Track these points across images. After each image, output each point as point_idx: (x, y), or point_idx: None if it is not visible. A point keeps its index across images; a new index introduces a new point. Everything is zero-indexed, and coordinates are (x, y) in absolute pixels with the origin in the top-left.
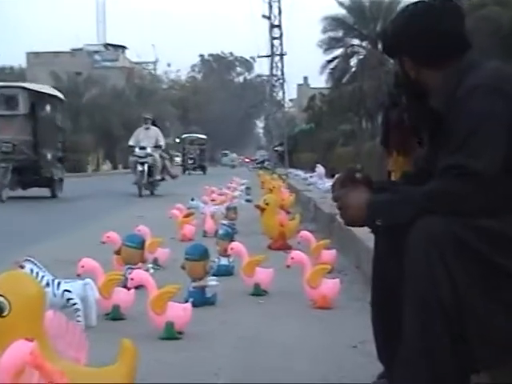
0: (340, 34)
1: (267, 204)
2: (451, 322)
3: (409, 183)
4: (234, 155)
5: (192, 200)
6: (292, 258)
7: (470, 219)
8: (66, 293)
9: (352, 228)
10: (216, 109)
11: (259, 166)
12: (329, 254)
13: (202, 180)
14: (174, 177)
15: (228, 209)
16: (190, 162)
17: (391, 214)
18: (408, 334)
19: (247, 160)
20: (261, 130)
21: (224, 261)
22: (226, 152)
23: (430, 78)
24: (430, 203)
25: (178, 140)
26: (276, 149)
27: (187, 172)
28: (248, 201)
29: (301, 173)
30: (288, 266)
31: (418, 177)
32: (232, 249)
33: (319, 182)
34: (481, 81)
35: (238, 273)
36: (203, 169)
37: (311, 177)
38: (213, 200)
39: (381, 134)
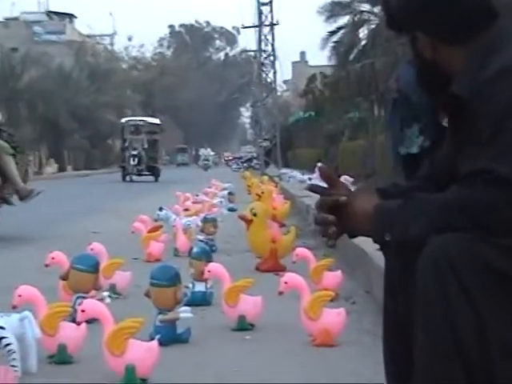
0: None
1: (255, 214)
2: (474, 370)
3: (423, 188)
4: (208, 151)
5: (160, 210)
6: (286, 283)
7: (498, 237)
8: None
9: (361, 244)
10: (190, 94)
11: (245, 165)
12: (332, 277)
13: (163, 186)
14: (23, 197)
15: (205, 220)
16: (133, 161)
17: (402, 227)
18: None
19: (229, 158)
20: (247, 120)
21: (200, 286)
22: (183, 147)
23: (450, 57)
24: (450, 215)
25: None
26: (262, 145)
27: (128, 177)
28: (231, 210)
29: (297, 174)
30: (281, 293)
31: (435, 180)
32: (210, 271)
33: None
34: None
35: (217, 301)
36: (154, 171)
37: (310, 179)
38: (186, 210)
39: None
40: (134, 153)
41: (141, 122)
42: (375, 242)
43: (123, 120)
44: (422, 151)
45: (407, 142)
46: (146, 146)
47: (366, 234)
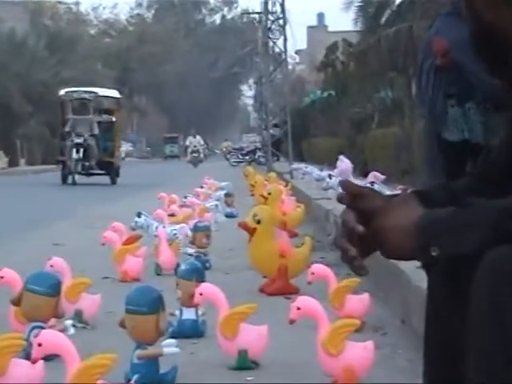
0: None
1: (259, 221)
2: None
3: (478, 190)
4: (198, 140)
5: (138, 216)
6: (299, 309)
7: None
8: None
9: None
10: (177, 68)
11: (247, 158)
12: (358, 302)
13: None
14: None
15: (196, 229)
16: (76, 153)
17: (454, 240)
18: None
19: (227, 149)
20: (249, 102)
21: (189, 314)
22: (173, 136)
23: None
24: None
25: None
26: (269, 133)
27: (69, 178)
28: (229, 216)
29: (314, 170)
30: (292, 321)
31: (492, 181)
32: (202, 294)
33: None
34: None
35: (211, 333)
36: (110, 169)
37: (331, 176)
38: (172, 215)
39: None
40: (79, 141)
41: (89, 95)
42: (419, 259)
43: (62, 92)
44: (473, 139)
45: (453, 125)
46: (96, 131)
47: (405, 256)
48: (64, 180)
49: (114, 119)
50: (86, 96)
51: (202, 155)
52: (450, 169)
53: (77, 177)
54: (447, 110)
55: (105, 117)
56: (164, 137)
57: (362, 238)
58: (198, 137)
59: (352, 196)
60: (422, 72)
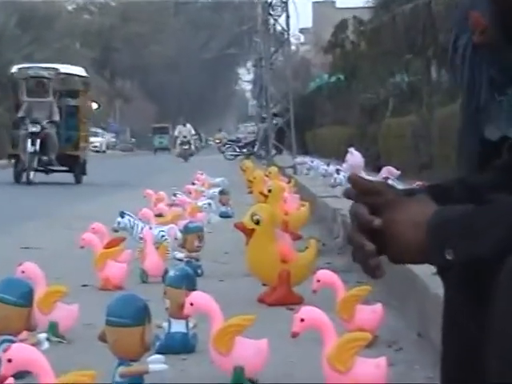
0: None
1: (258, 222)
2: None
3: (502, 185)
4: (189, 129)
5: (121, 216)
6: (302, 321)
7: None
8: None
9: (411, 265)
10: (165, 49)
11: (245, 151)
12: (369, 313)
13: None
14: None
15: (187, 231)
16: (32, 145)
17: (472, 240)
18: None
19: (220, 141)
20: (247, 87)
21: (179, 326)
22: (163, 127)
23: None
24: None
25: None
26: (266, 122)
27: (23, 175)
28: (224, 216)
29: (320, 164)
30: (295, 335)
31: None
32: (193, 304)
33: None
34: None
35: (203, 347)
36: (74, 165)
37: (339, 171)
38: (159, 215)
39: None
40: (35, 130)
41: (47, 73)
42: (431, 262)
43: (14, 69)
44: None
45: (504, 118)
46: (56, 117)
47: (417, 259)
48: (17, 179)
49: (79, 103)
50: (45, 74)
51: (192, 147)
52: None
53: (32, 174)
54: (494, 97)
55: (68, 100)
56: (153, 127)
57: (373, 235)
58: (188, 126)
59: (361, 192)
60: (455, 51)
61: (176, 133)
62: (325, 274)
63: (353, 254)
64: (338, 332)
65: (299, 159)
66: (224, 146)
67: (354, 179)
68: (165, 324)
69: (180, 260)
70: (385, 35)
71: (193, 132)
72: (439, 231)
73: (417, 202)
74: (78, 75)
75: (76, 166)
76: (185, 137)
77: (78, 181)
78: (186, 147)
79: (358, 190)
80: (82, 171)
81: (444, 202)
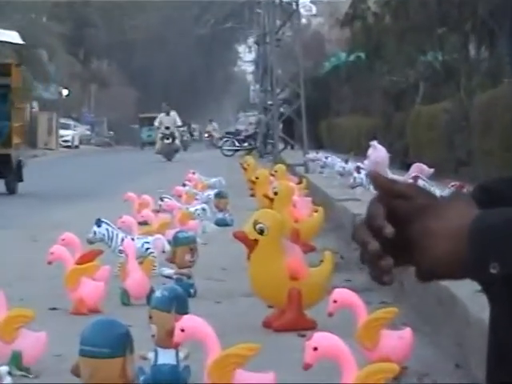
0: None
1: (262, 231)
2: None
3: None
4: (173, 117)
5: (98, 225)
6: (315, 349)
7: None
8: None
9: (447, 283)
10: (150, 23)
11: (246, 146)
12: (396, 340)
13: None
14: None
15: (177, 242)
16: None
17: None
18: None
19: (210, 133)
20: (249, 69)
21: (167, 356)
22: (152, 117)
23: None
24: None
25: None
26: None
27: None
28: (221, 224)
29: (337, 161)
30: (308, 367)
31: None
32: (184, 330)
33: None
34: None
35: (196, 382)
36: (4, 168)
37: (359, 169)
38: (144, 223)
39: None
40: None
41: None
42: (472, 277)
43: None
44: None
45: None
46: None
47: (455, 274)
48: None
49: (11, 81)
50: None
51: (177, 142)
52: None
53: None
54: None
55: None
56: (140, 117)
57: (388, 244)
58: (172, 114)
59: (384, 194)
60: None
61: (156, 123)
62: (343, 294)
63: (360, 253)
64: (358, 363)
65: (311, 155)
66: (220, 139)
67: (374, 177)
68: (150, 354)
69: (168, 277)
70: (414, 6)
71: (178, 122)
72: (482, 240)
73: (455, 207)
74: (9, 42)
75: (7, 170)
76: (167, 128)
77: (10, 190)
78: (169, 141)
79: (380, 192)
80: (17, 177)
81: (491, 207)
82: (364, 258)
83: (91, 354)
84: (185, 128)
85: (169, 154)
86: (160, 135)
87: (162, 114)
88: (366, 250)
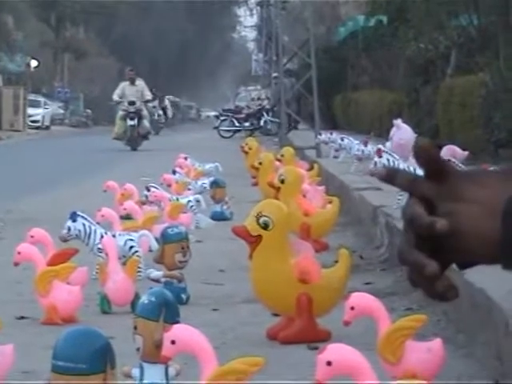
0: None
1: (266, 226)
2: None
3: None
4: (140, 87)
5: (73, 219)
6: (329, 364)
7: None
8: None
9: (481, 284)
10: None
11: (247, 126)
12: (424, 352)
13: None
14: None
15: (166, 240)
16: None
17: None
18: None
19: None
20: (250, 36)
21: (154, 373)
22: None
23: None
24: None
25: None
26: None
27: None
28: (218, 218)
29: (355, 143)
30: None
31: None
32: (175, 343)
33: (401, 165)
34: None
35: None
36: None
37: (381, 153)
38: (126, 217)
39: None
40: None
41: None
42: (504, 264)
43: None
44: None
45: None
46: None
47: (485, 254)
48: None
49: None
50: None
51: (146, 122)
52: None
53: None
54: None
55: None
56: None
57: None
58: (139, 83)
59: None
60: None
61: (115, 96)
62: (361, 299)
63: (409, 276)
64: (380, 378)
65: (324, 136)
66: (217, 118)
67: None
68: (135, 371)
69: (156, 281)
70: None
71: (148, 95)
72: None
73: (495, 182)
74: None
75: None
76: (132, 103)
77: None
78: (134, 122)
79: (424, 159)
80: None
81: None
82: (417, 281)
83: (66, 371)
84: (155, 103)
85: (133, 140)
86: (121, 113)
87: (125, 84)
88: (422, 273)
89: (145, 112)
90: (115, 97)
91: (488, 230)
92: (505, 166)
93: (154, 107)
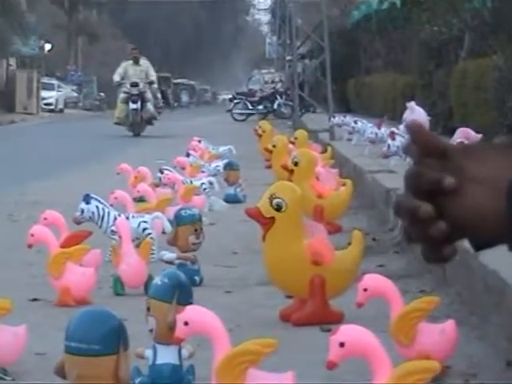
0: None
1: (279, 208)
2: None
3: None
4: (143, 67)
5: (86, 201)
6: (342, 345)
7: None
8: None
9: (494, 265)
10: None
11: (261, 109)
12: (437, 334)
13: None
14: None
15: (179, 222)
16: None
17: None
18: None
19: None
20: (264, 18)
21: (168, 355)
22: (165, 77)
23: None
24: None
25: None
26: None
27: None
28: (231, 200)
29: (368, 126)
30: (332, 365)
31: None
32: (188, 323)
33: None
34: None
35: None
36: None
37: (394, 136)
38: (140, 200)
39: None
40: None
41: None
42: (509, 243)
43: None
44: None
45: None
46: None
47: (492, 235)
48: None
49: None
50: None
51: (150, 106)
52: None
53: None
54: None
55: None
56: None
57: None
58: (143, 62)
59: (425, 151)
60: None
61: (116, 76)
62: (374, 281)
63: (405, 231)
64: (392, 361)
65: (338, 119)
66: (230, 101)
67: (415, 129)
68: (148, 352)
69: (169, 263)
70: None
71: (153, 76)
72: None
73: (496, 157)
74: None
75: None
76: (134, 85)
77: None
78: (137, 106)
79: (421, 147)
80: None
81: None
82: (411, 233)
83: (79, 352)
84: (156, 86)
85: (136, 125)
86: (122, 96)
87: (127, 63)
88: (417, 216)
89: (149, 94)
90: (116, 77)
91: (490, 209)
92: (505, 138)
93: (158, 89)
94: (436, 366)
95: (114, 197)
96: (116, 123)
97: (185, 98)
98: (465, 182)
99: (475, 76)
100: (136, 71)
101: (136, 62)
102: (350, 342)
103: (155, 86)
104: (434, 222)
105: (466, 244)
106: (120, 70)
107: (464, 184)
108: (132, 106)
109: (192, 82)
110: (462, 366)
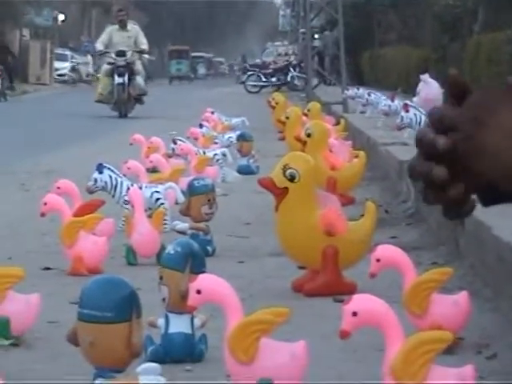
0: None
1: (292, 178)
2: None
3: None
4: (132, 31)
5: (100, 171)
6: (355, 315)
7: None
8: None
9: (509, 235)
10: None
11: (274, 81)
12: (450, 306)
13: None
14: None
15: (192, 192)
16: None
17: None
18: None
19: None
20: None
21: (180, 324)
22: (182, 49)
23: None
24: None
25: None
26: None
27: None
28: (244, 171)
29: (382, 98)
30: (345, 335)
31: None
32: (201, 292)
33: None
34: None
35: (214, 355)
36: None
37: (407, 108)
38: (153, 170)
39: None
40: None
41: None
42: None
43: None
44: None
45: None
46: None
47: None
48: None
49: None
50: None
51: (140, 79)
52: None
53: None
54: None
55: None
56: (169, 50)
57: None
58: (131, 27)
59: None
60: None
61: (99, 44)
62: (387, 251)
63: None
64: (405, 332)
65: (351, 92)
66: (244, 73)
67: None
68: (161, 321)
69: (182, 233)
70: None
71: (143, 44)
72: None
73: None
74: None
75: None
76: (121, 54)
77: None
78: (123, 79)
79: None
80: None
81: None
82: (428, 195)
83: (91, 319)
84: (146, 55)
85: (122, 103)
86: (106, 67)
87: (112, 28)
88: (433, 179)
89: (138, 66)
90: (99, 45)
91: (509, 155)
92: None
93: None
94: (449, 337)
95: (127, 167)
96: (97, 101)
97: (202, 70)
98: (482, 128)
99: (489, 50)
100: (123, 37)
101: (123, 26)
102: (362, 311)
103: (146, 56)
104: (449, 184)
105: (479, 216)
106: (104, 37)
107: (481, 131)
108: (118, 79)
109: (209, 55)
110: (474, 337)
